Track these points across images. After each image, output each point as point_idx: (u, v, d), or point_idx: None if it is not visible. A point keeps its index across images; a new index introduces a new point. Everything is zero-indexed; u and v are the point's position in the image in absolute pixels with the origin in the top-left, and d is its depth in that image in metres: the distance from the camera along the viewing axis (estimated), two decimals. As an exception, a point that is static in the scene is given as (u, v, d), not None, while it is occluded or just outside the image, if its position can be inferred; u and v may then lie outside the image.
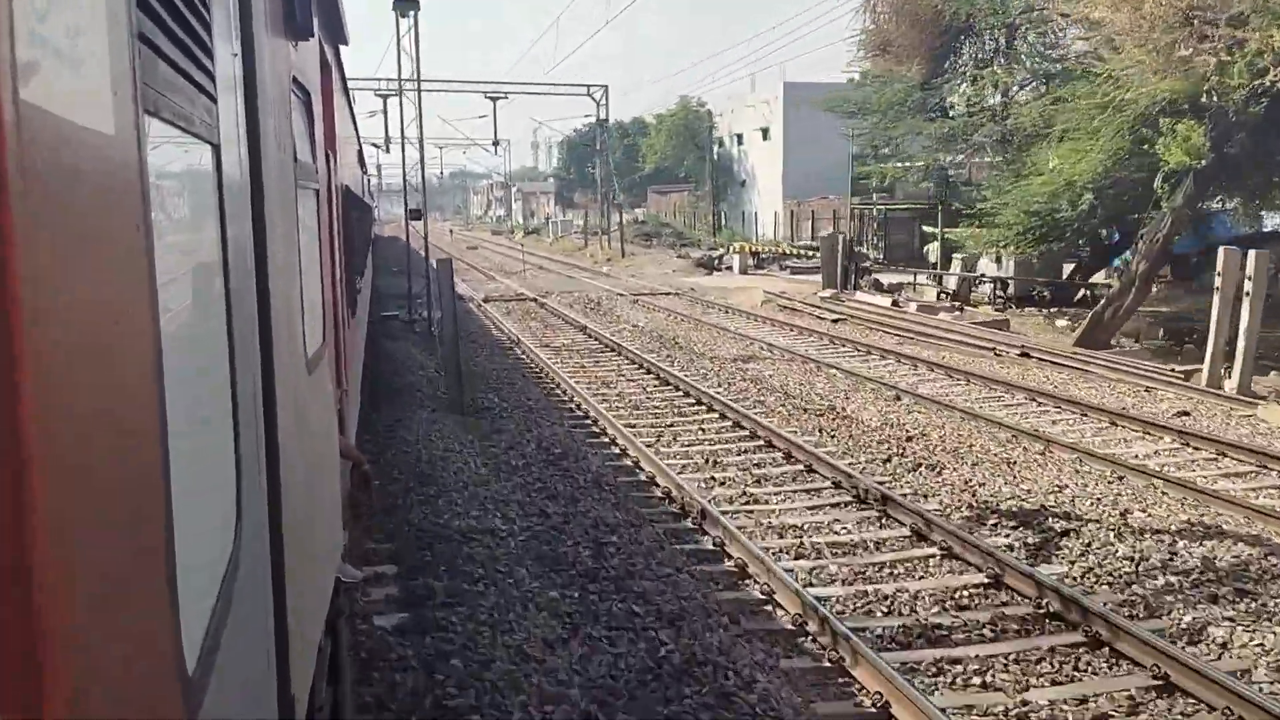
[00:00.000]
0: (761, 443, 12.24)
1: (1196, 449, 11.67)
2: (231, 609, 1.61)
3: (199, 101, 1.65)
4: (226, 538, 1.74)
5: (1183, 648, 6.63)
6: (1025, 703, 6.10)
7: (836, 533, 9.10)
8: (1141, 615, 7.23)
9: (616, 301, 29.30)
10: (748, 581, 7.99)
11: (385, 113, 46.05)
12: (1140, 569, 8.04)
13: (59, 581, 0.83)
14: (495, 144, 53.07)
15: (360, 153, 18.56)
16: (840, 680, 6.42)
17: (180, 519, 1.24)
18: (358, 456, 7.66)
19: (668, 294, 31.29)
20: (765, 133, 57.10)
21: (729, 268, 40.75)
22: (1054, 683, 6.39)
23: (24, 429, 0.76)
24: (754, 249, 43.39)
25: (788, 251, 41.38)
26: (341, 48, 7.04)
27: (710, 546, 8.80)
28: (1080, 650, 6.75)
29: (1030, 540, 8.73)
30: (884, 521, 9.33)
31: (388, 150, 50.49)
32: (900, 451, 11.67)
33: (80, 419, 0.93)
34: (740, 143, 60.58)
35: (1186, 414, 13.51)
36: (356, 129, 15.04)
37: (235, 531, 1.78)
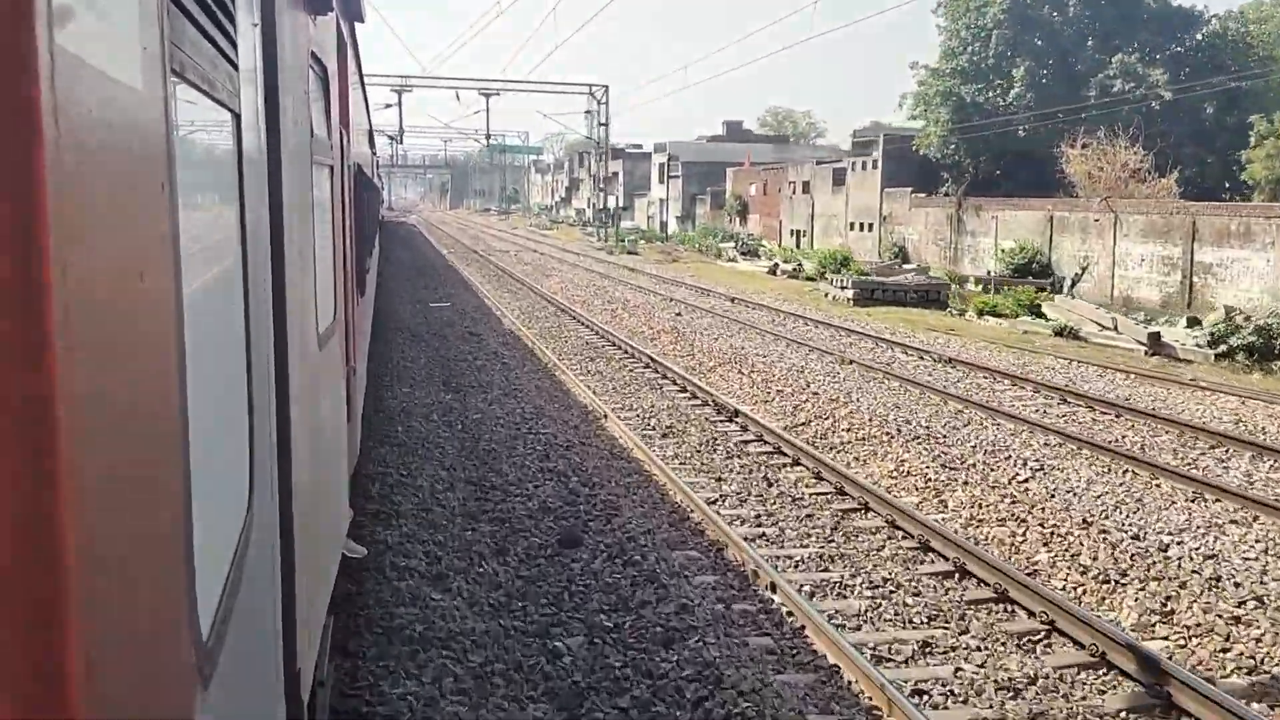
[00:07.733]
0: None
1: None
2: (243, 582, 1.60)
3: (221, 67, 1.62)
4: (239, 512, 1.72)
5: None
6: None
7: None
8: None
9: None
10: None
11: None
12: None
13: (83, 544, 0.81)
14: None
15: (370, 132, 18.50)
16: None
17: (197, 492, 1.23)
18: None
19: None
20: None
21: None
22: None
23: (51, 383, 0.75)
24: None
25: None
26: (357, 25, 7.00)
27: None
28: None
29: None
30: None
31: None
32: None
33: (102, 375, 0.91)
34: None
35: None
36: (368, 107, 15.00)
37: (247, 506, 1.77)
